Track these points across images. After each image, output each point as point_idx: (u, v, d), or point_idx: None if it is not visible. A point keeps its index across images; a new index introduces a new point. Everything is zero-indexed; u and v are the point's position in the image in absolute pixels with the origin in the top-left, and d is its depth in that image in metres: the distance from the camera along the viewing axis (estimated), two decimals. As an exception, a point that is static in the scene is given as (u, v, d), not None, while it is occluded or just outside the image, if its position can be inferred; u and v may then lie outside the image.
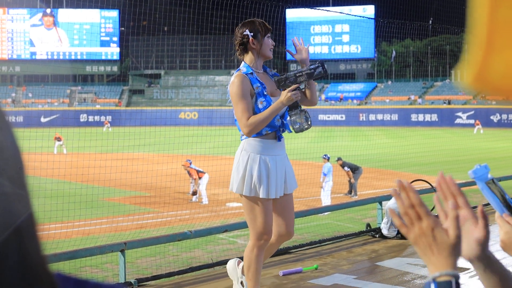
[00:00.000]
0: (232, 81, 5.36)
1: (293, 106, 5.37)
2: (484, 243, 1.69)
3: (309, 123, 5.44)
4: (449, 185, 1.70)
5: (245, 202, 5.42)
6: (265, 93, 5.40)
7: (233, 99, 5.30)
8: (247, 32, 5.41)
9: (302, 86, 5.40)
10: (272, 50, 5.52)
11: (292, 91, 5.23)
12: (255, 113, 5.31)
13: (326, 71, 5.42)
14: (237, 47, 5.50)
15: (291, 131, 5.56)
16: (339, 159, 22.28)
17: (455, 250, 1.54)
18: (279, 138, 5.49)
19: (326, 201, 19.71)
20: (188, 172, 21.20)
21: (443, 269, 1.51)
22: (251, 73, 5.41)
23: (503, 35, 1.17)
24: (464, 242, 1.65)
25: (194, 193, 20.96)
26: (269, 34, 5.50)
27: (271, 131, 5.40)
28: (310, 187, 19.76)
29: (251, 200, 5.38)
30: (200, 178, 20.97)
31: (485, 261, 1.69)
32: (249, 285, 5.57)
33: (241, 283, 5.82)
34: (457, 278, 1.50)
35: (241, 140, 5.45)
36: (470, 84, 1.22)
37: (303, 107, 5.52)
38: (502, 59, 1.17)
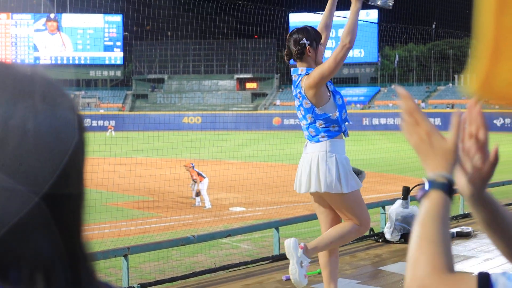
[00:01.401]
0: (307, 76, 5.49)
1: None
2: (484, 181, 1.70)
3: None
4: (476, 116, 1.70)
5: (346, 199, 5.60)
6: (337, 90, 5.76)
7: (318, 71, 5.43)
8: (304, 40, 5.54)
9: None
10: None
11: None
12: (337, 109, 5.60)
13: None
14: (295, 55, 5.60)
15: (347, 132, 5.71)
16: None
17: (452, 155, 1.55)
18: (346, 133, 5.71)
19: None
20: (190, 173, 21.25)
21: (438, 171, 1.53)
22: None
23: (509, 43, 1.17)
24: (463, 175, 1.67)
25: (198, 193, 20.98)
26: (321, 41, 5.62)
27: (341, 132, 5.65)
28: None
29: (353, 195, 5.60)
30: (200, 181, 21.00)
31: (480, 199, 1.70)
32: (336, 242, 5.77)
33: (301, 263, 5.88)
34: (451, 181, 1.52)
35: (317, 142, 5.56)
36: (476, 91, 1.22)
37: None
38: (508, 67, 1.18)
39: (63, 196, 0.93)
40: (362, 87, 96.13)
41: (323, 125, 5.50)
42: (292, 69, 5.72)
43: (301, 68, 5.57)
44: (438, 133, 1.57)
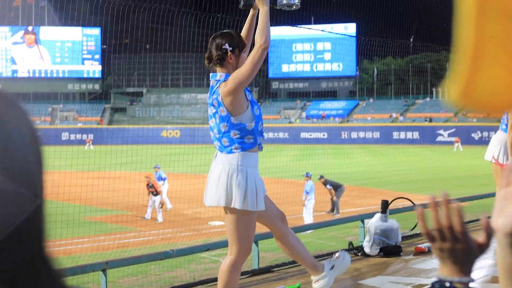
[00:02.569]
0: (225, 82, 5.25)
1: (273, 1, 5.50)
2: None
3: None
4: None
5: (243, 217, 5.34)
6: (255, 100, 5.45)
7: (235, 76, 5.20)
8: (226, 46, 5.31)
9: None
10: None
11: None
12: (254, 120, 5.29)
13: None
14: (214, 60, 5.34)
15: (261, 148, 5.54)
16: (321, 177, 22.29)
17: (475, 259, 1.54)
18: (260, 147, 5.48)
19: (308, 219, 19.70)
20: (152, 186, 21.38)
21: (458, 276, 1.52)
22: None
23: (489, 51, 1.16)
24: (507, 214, 1.59)
25: (162, 204, 21.15)
26: (245, 49, 5.47)
27: (257, 144, 5.40)
28: (292, 206, 19.74)
29: (250, 215, 5.33)
30: (161, 186, 21.41)
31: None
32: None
33: (332, 267, 5.87)
34: (470, 282, 1.51)
35: (229, 153, 5.31)
36: (456, 101, 1.21)
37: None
38: (489, 76, 1.17)
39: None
40: (340, 100, 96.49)
41: (238, 136, 5.25)
42: (211, 74, 5.51)
43: (220, 74, 5.31)
44: (473, 245, 1.56)
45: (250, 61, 5.17)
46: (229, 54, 5.30)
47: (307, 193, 20.05)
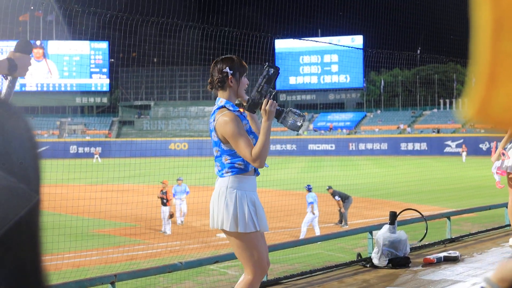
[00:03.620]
0: (225, 121, 5.26)
1: (278, 115, 5.41)
2: None
3: (302, 119, 5.49)
4: None
5: (239, 239, 5.35)
6: (252, 130, 5.41)
7: (232, 138, 5.22)
8: (227, 69, 5.35)
9: (271, 94, 5.40)
10: (246, 90, 5.50)
11: (266, 105, 5.25)
12: None
13: (277, 66, 5.43)
14: (215, 83, 5.41)
15: (267, 166, 5.54)
16: (329, 187, 22.28)
17: None
18: (257, 172, 5.48)
19: (304, 229, 19.74)
20: (165, 193, 21.37)
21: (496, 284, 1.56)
22: (237, 110, 5.38)
23: (505, 68, 1.18)
24: None
25: (172, 215, 21.11)
26: (246, 73, 5.49)
27: (249, 170, 5.39)
28: (300, 217, 19.74)
29: (246, 236, 5.33)
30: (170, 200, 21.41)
31: None
32: None
33: None
34: None
35: (221, 176, 5.36)
36: (472, 116, 1.23)
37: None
38: (505, 92, 1.19)
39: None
40: (348, 112, 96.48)
41: (229, 161, 5.30)
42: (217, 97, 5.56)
43: (221, 99, 5.40)
44: None
45: (242, 147, 5.21)
46: (229, 77, 5.35)
47: (311, 203, 20.04)
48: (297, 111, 5.44)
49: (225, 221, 5.29)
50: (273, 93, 5.41)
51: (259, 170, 5.49)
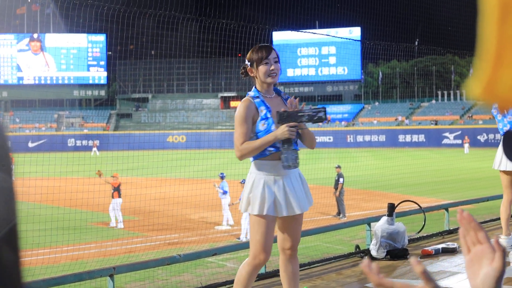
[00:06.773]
0: (239, 105, 5.59)
1: (286, 142, 5.43)
2: (499, 276, 1.69)
3: (296, 163, 5.55)
4: (468, 221, 1.71)
5: (251, 219, 5.60)
6: (268, 115, 5.52)
7: (235, 122, 5.51)
8: (246, 62, 5.71)
9: (303, 125, 5.48)
10: (272, 75, 5.61)
11: (290, 127, 5.33)
12: (255, 134, 5.49)
13: (327, 117, 5.50)
14: (243, 75, 5.82)
15: (297, 149, 5.63)
16: (338, 166, 22.64)
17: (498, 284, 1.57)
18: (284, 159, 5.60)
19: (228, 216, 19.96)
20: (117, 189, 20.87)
21: None
22: (257, 97, 5.60)
23: (510, 51, 1.22)
24: (480, 276, 1.66)
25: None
26: (266, 61, 5.57)
27: (276, 151, 5.50)
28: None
29: (255, 218, 5.53)
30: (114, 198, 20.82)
31: None
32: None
33: None
34: None
35: (251, 161, 5.63)
36: (479, 96, 1.27)
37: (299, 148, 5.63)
38: (510, 73, 1.23)
39: None
40: (346, 104, 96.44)
41: None
42: None
43: (253, 87, 5.75)
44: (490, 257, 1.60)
45: (237, 133, 5.46)
46: (248, 68, 5.71)
47: (225, 192, 20.12)
48: (298, 157, 5.54)
49: (243, 202, 5.62)
50: (300, 129, 5.52)
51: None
